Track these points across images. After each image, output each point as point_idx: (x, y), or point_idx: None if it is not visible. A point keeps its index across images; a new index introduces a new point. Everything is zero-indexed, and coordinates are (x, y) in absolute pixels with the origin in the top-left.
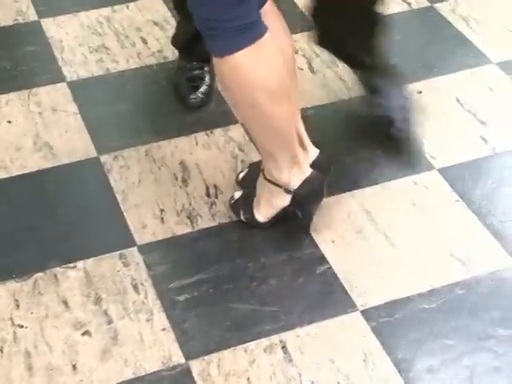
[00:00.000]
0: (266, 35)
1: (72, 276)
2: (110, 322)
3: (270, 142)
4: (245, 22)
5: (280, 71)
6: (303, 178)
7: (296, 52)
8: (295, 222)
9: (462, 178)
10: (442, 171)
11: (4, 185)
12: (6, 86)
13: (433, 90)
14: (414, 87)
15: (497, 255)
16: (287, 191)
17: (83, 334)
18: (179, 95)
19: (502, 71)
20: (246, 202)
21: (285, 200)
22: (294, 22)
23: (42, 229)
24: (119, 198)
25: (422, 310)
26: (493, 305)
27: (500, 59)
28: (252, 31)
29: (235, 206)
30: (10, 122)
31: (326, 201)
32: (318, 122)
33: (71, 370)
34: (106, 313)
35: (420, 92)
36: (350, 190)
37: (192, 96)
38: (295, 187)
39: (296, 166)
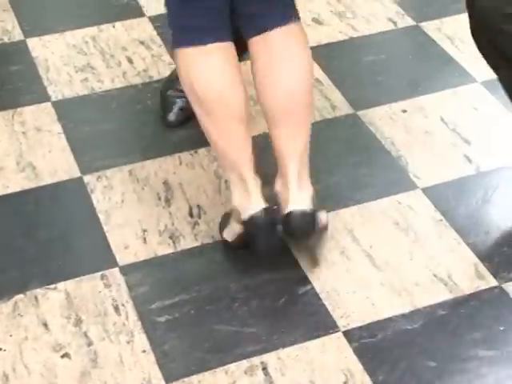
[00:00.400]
0: (210, 46)
1: (52, 297)
2: (89, 343)
3: (216, 153)
4: (186, 24)
5: (216, 84)
6: (251, 212)
7: None
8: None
9: (445, 198)
10: (425, 190)
11: None
12: None
13: (417, 108)
14: (398, 106)
15: (479, 275)
16: (238, 219)
17: (62, 357)
18: (163, 107)
19: (487, 90)
20: (224, 219)
21: (237, 227)
22: None
23: (23, 250)
24: (102, 218)
25: (404, 330)
26: (475, 326)
27: (484, 78)
28: (191, 35)
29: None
30: None
31: None
32: None
33: None
34: (85, 334)
35: (405, 111)
36: (333, 210)
37: (172, 113)
38: (245, 218)
39: (246, 194)
